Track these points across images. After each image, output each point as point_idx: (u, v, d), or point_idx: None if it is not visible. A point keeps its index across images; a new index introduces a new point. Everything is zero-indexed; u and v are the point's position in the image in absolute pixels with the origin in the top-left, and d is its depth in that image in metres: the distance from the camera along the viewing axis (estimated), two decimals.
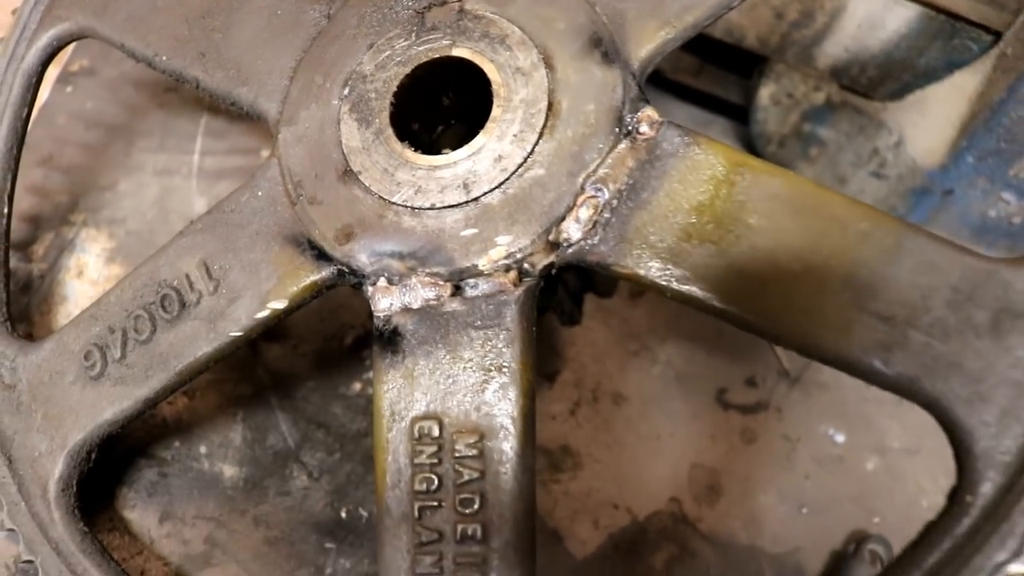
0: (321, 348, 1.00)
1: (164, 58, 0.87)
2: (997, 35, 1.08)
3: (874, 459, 1.07)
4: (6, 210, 0.90)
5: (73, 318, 0.84)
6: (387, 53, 0.79)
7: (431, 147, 0.82)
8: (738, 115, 1.32)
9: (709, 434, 1.04)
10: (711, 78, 1.28)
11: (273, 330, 1.01)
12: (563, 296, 1.00)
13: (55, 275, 1.03)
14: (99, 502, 0.90)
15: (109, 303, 0.82)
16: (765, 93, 1.22)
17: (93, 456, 0.82)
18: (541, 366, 1.03)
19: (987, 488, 0.62)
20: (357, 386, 0.98)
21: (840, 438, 1.08)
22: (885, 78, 1.17)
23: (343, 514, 0.92)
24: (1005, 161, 1.11)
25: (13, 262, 0.94)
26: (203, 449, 0.94)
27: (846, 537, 1.01)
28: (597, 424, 1.01)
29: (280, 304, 0.77)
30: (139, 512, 0.91)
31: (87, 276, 1.03)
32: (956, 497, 0.64)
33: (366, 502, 0.92)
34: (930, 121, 1.15)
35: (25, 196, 0.93)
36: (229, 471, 0.93)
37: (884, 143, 1.19)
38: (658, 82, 1.29)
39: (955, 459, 0.64)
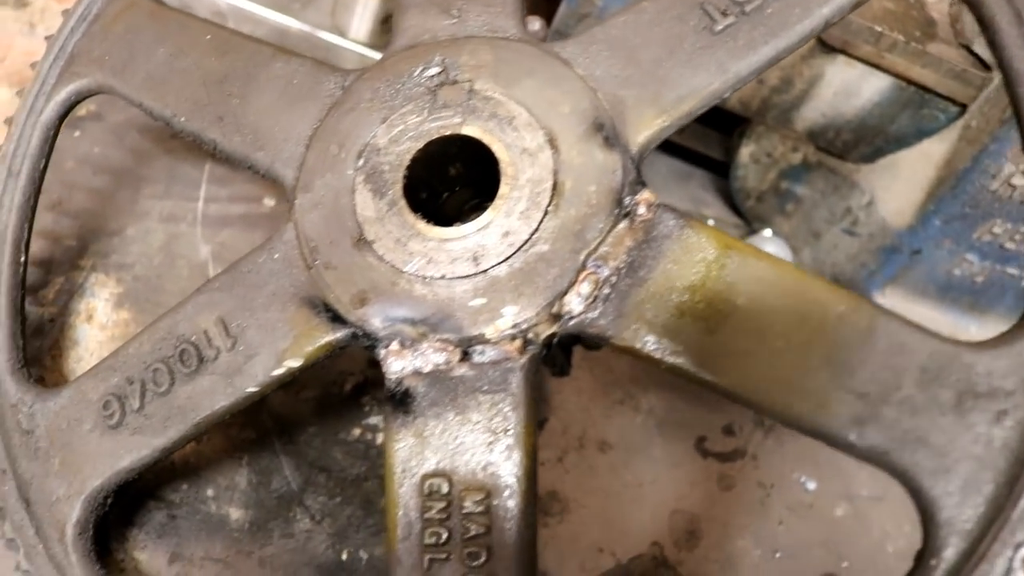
0: (322, 394, 1.06)
1: (182, 119, 0.92)
2: (963, 108, 1.17)
3: (843, 506, 1.15)
4: (23, 259, 0.95)
5: (91, 368, 0.90)
6: (400, 128, 0.85)
7: (437, 212, 0.88)
8: (717, 168, 1.40)
9: (689, 481, 1.11)
10: (693, 134, 1.37)
11: None
12: (556, 351, 1.07)
13: (65, 319, 1.08)
14: (111, 543, 0.95)
15: (128, 355, 0.88)
16: (745, 152, 1.31)
17: (109, 501, 0.87)
18: None
19: (950, 553, 0.69)
20: (356, 431, 1.04)
21: (811, 485, 1.15)
22: (859, 142, 1.26)
23: (344, 556, 0.98)
24: (969, 225, 1.20)
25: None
26: (210, 492, 1.00)
27: None
28: (583, 470, 1.08)
29: (296, 363, 0.82)
30: (149, 553, 0.97)
31: (96, 320, 1.08)
32: (922, 561, 0.71)
33: (366, 545, 0.98)
34: (900, 184, 1.24)
35: (36, 240, 0.97)
36: (235, 513, 0.99)
37: (857, 203, 1.28)
38: None
39: (921, 525, 0.72)
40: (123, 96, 0.96)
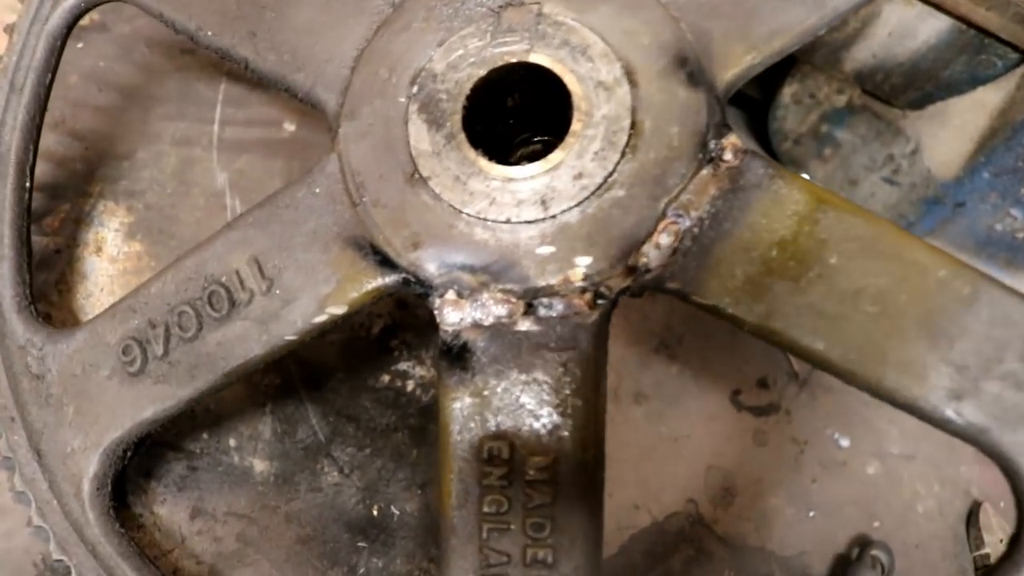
0: (348, 338, 0.97)
1: (209, 33, 0.82)
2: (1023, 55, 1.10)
3: (874, 463, 1.11)
4: (28, 184, 0.84)
5: (108, 308, 0.80)
6: (460, 52, 0.76)
7: (490, 147, 0.79)
8: (752, 107, 1.32)
9: (724, 435, 1.06)
10: None
11: None
12: None
13: (72, 250, 0.97)
14: (128, 496, 0.87)
15: (149, 295, 0.79)
16: (788, 91, 1.22)
17: (128, 454, 0.79)
18: None
19: None
20: (385, 378, 0.96)
21: (844, 442, 1.11)
22: (908, 87, 1.19)
23: (375, 512, 0.91)
24: (1019, 179, 1.14)
25: None
26: (232, 442, 0.92)
27: (849, 541, 1.05)
28: (619, 423, 1.02)
29: (339, 310, 0.74)
30: (169, 507, 0.89)
31: (106, 253, 0.98)
32: (1016, 544, 0.66)
33: (397, 500, 0.91)
34: (949, 133, 1.17)
35: (39, 162, 0.87)
36: (260, 465, 0.91)
37: (900, 151, 1.21)
38: None
39: (1016, 508, 0.67)
40: (140, 5, 0.85)
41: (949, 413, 0.67)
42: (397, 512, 0.90)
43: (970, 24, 1.09)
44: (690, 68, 0.73)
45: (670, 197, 0.70)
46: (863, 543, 1.04)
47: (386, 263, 0.74)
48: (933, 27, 1.12)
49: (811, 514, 1.05)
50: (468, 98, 0.75)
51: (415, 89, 0.76)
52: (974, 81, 1.14)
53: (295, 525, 0.89)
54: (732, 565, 1.00)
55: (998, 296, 0.68)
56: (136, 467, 0.89)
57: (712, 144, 0.71)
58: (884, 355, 0.68)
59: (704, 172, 0.71)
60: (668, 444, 1.03)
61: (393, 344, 0.98)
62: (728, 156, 0.71)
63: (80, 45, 1.06)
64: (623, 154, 0.71)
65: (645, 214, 0.70)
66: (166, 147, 1.03)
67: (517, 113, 0.83)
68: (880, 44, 1.15)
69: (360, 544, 0.89)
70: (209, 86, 1.06)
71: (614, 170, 0.71)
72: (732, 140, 0.72)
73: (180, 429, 0.91)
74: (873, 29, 1.13)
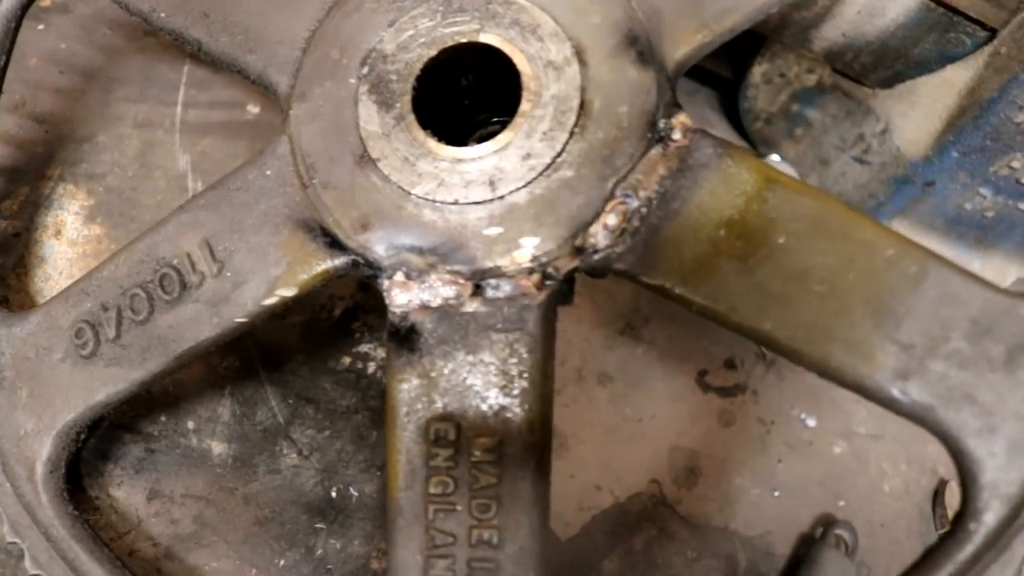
0: (309, 320, 0.97)
1: (163, 15, 0.81)
2: (992, 32, 1.09)
3: (841, 443, 1.11)
4: None
5: (61, 291, 0.80)
6: (410, 33, 0.75)
7: (443, 128, 0.79)
8: (724, 87, 1.31)
9: (689, 416, 1.05)
10: None
11: None
12: None
13: (31, 234, 0.97)
14: (84, 479, 0.87)
15: (102, 278, 0.78)
16: (758, 71, 1.21)
17: (82, 437, 0.79)
18: None
19: (990, 517, 0.64)
20: (346, 360, 0.96)
21: (811, 422, 1.10)
22: (878, 65, 1.17)
23: (333, 493, 0.91)
24: (988, 158, 1.13)
25: None
26: (191, 424, 0.92)
27: (813, 520, 1.05)
28: (582, 404, 1.02)
29: (289, 292, 0.74)
30: (126, 490, 0.89)
31: (65, 236, 0.98)
32: (960, 524, 0.66)
33: (356, 481, 0.91)
34: (918, 112, 1.16)
35: None
36: (218, 447, 0.91)
37: (870, 130, 1.20)
38: None
39: (961, 487, 0.67)
40: None
41: (895, 392, 0.66)
42: (356, 493, 0.90)
43: (938, 2, 1.08)
44: (640, 47, 0.72)
45: (618, 177, 0.69)
46: (827, 522, 1.04)
47: (335, 245, 0.73)
48: (902, 5, 1.10)
49: (776, 494, 1.05)
50: (418, 79, 0.74)
51: (365, 70, 0.75)
52: (943, 59, 1.13)
53: (253, 507, 0.89)
54: (695, 545, 1.00)
55: (946, 275, 0.67)
56: (93, 450, 0.89)
57: (662, 123, 0.71)
58: (831, 334, 0.68)
59: (653, 152, 0.70)
60: (632, 425, 1.03)
61: (355, 326, 0.97)
62: (677, 135, 0.71)
63: (41, 27, 1.05)
64: (572, 134, 0.70)
65: (593, 194, 0.69)
66: (128, 129, 1.02)
67: (473, 94, 0.83)
68: (849, 23, 1.14)
69: (318, 525, 0.89)
70: (172, 68, 1.05)
71: (562, 150, 0.70)
72: (682, 119, 0.71)
73: (138, 412, 0.91)
74: (842, 8, 1.12)
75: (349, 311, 0.98)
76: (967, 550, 0.65)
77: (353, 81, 0.75)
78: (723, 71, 1.29)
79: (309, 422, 0.93)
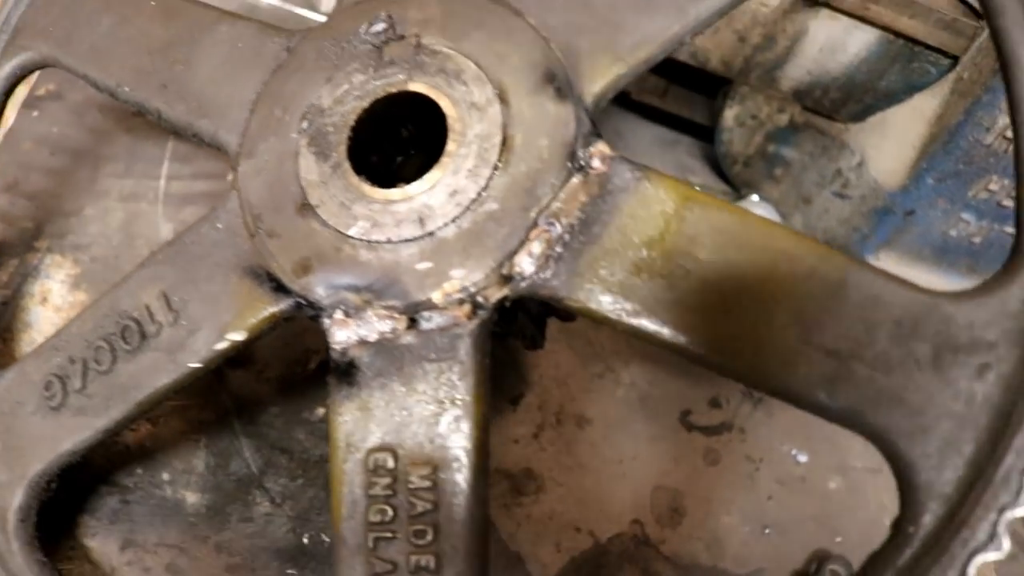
0: (285, 373, 1.00)
1: (127, 89, 0.87)
2: (955, 59, 1.10)
3: (836, 479, 1.09)
4: None
5: (35, 348, 0.85)
6: (345, 87, 0.80)
7: (391, 178, 0.82)
8: (704, 134, 1.33)
9: (672, 456, 1.05)
10: (677, 99, 1.30)
11: (238, 355, 1.01)
12: (524, 321, 1.01)
13: (19, 301, 1.03)
14: (60, 530, 0.91)
15: (71, 333, 0.83)
16: (730, 115, 1.24)
17: (53, 486, 0.82)
18: (504, 390, 1.03)
19: (928, 519, 0.63)
20: (320, 411, 0.99)
21: (803, 458, 1.09)
22: (847, 100, 1.19)
23: (305, 540, 0.92)
24: (964, 183, 1.13)
25: None
26: (166, 476, 0.95)
27: (808, 557, 1.02)
28: (560, 447, 1.02)
29: (239, 336, 0.77)
30: (100, 540, 0.92)
31: (51, 303, 1.04)
32: (899, 528, 0.65)
33: (328, 528, 0.92)
34: (891, 143, 1.17)
35: None
36: (192, 498, 0.94)
37: (847, 164, 1.21)
38: (624, 103, 1.31)
39: (899, 491, 0.66)
40: (68, 68, 0.91)
41: (822, 398, 0.66)
42: (328, 540, 0.92)
43: (897, 34, 1.10)
44: (558, 83, 0.75)
45: (541, 206, 0.72)
46: (821, 558, 1.02)
47: (280, 289, 0.77)
48: (862, 40, 1.13)
49: (767, 531, 1.03)
50: (352, 128, 0.78)
51: (305, 124, 0.79)
52: (911, 89, 1.15)
53: (224, 554, 0.91)
54: None
55: (868, 279, 0.68)
56: (69, 503, 0.92)
57: (581, 153, 0.73)
58: (755, 345, 0.68)
59: (574, 180, 0.73)
60: (612, 466, 1.02)
61: (329, 379, 1.00)
62: (596, 163, 0.73)
63: (35, 113, 1.14)
64: (495, 168, 0.73)
65: (517, 224, 0.72)
66: (113, 203, 1.08)
67: (416, 144, 0.87)
68: (812, 61, 1.16)
69: (289, 572, 0.90)
70: (157, 144, 1.12)
71: (487, 185, 0.73)
72: (600, 148, 0.73)
73: (114, 464, 0.94)
74: (803, 47, 1.15)
75: (324, 363, 1.00)
76: (906, 554, 0.63)
77: (294, 136, 0.79)
78: (701, 119, 1.32)
79: (282, 471, 0.95)
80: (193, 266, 0.80)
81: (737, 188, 1.30)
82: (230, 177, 0.82)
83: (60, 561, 0.87)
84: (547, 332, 1.05)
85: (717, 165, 1.30)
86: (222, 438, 0.96)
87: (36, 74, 1.02)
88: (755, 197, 1.27)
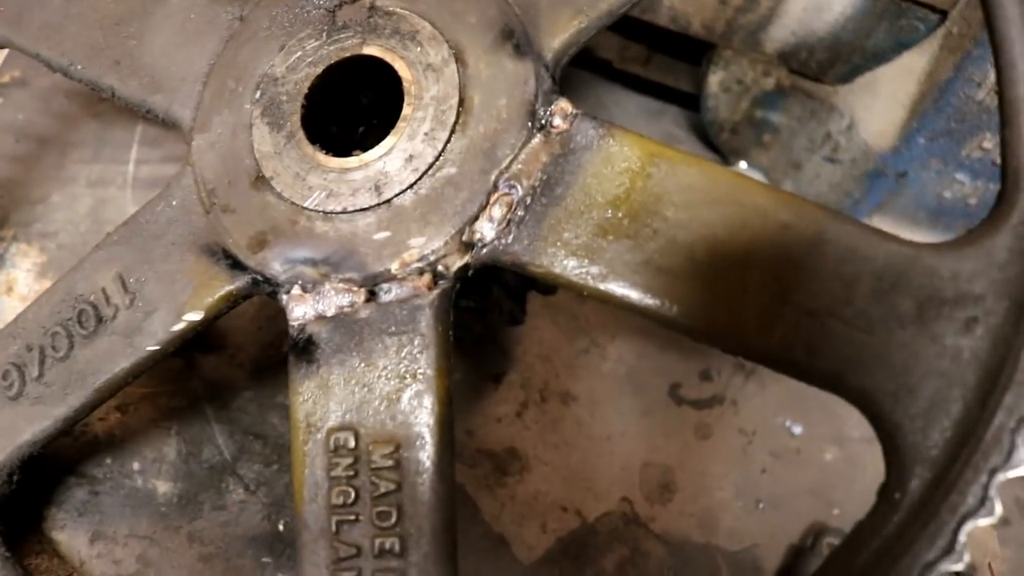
0: (258, 356, 0.97)
1: (79, 67, 0.84)
2: (943, 14, 1.05)
3: (833, 450, 1.04)
4: None
5: None
6: (298, 54, 0.76)
7: (354, 149, 0.79)
8: (690, 103, 1.28)
9: (662, 431, 1.01)
10: (660, 67, 1.25)
11: (209, 340, 0.98)
12: (500, 295, 0.97)
13: None
14: (26, 524, 0.87)
15: (27, 320, 0.79)
16: (714, 80, 1.19)
17: (15, 478, 0.79)
18: (486, 367, 0.99)
19: (915, 484, 0.59)
20: None
21: (797, 429, 1.04)
22: (834, 61, 1.14)
23: (280, 527, 0.89)
24: (956, 142, 1.08)
25: None
26: (136, 465, 0.91)
27: (804, 530, 0.98)
28: (545, 425, 0.98)
29: (196, 316, 0.73)
30: (69, 533, 0.88)
31: (16, 292, 1.00)
32: (885, 494, 0.61)
33: None
34: (881, 103, 1.11)
35: None
36: (163, 487, 0.90)
37: (836, 127, 1.16)
38: (607, 73, 1.26)
39: (884, 455, 0.61)
40: (20, 48, 0.87)
41: (801, 360, 0.62)
42: None
43: None
44: (516, 40, 0.71)
45: (500, 169, 0.68)
46: (818, 531, 0.97)
47: (236, 266, 0.73)
48: None
49: (760, 505, 0.99)
50: (306, 97, 0.74)
51: (258, 95, 0.76)
52: (899, 47, 1.09)
53: (197, 544, 0.87)
54: (672, 564, 0.94)
55: (846, 232, 0.64)
56: (35, 495, 0.89)
57: (542, 112, 0.69)
58: (729, 307, 0.64)
59: (535, 140, 0.69)
60: (599, 443, 0.98)
61: None
62: (558, 121, 0.69)
63: (0, 100, 1.10)
64: (453, 131, 0.69)
65: (477, 188, 0.68)
66: (81, 189, 1.05)
67: (377, 111, 0.83)
68: (797, 21, 1.11)
69: (265, 559, 0.87)
70: (126, 129, 1.08)
71: (444, 148, 0.69)
72: (562, 105, 0.69)
73: (83, 455, 0.91)
74: (786, 6, 1.10)
75: None
76: (893, 521, 0.59)
77: (248, 107, 0.76)
78: (686, 86, 1.27)
79: (256, 457, 0.92)
80: (148, 246, 0.77)
81: (725, 156, 1.25)
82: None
83: (27, 556, 0.84)
84: (528, 307, 1.01)
85: (705, 134, 1.25)
86: (194, 425, 0.93)
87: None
88: (744, 165, 1.22)
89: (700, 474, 0.99)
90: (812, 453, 1.03)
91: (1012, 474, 0.57)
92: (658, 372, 1.04)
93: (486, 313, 0.97)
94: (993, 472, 0.56)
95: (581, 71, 1.26)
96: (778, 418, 1.05)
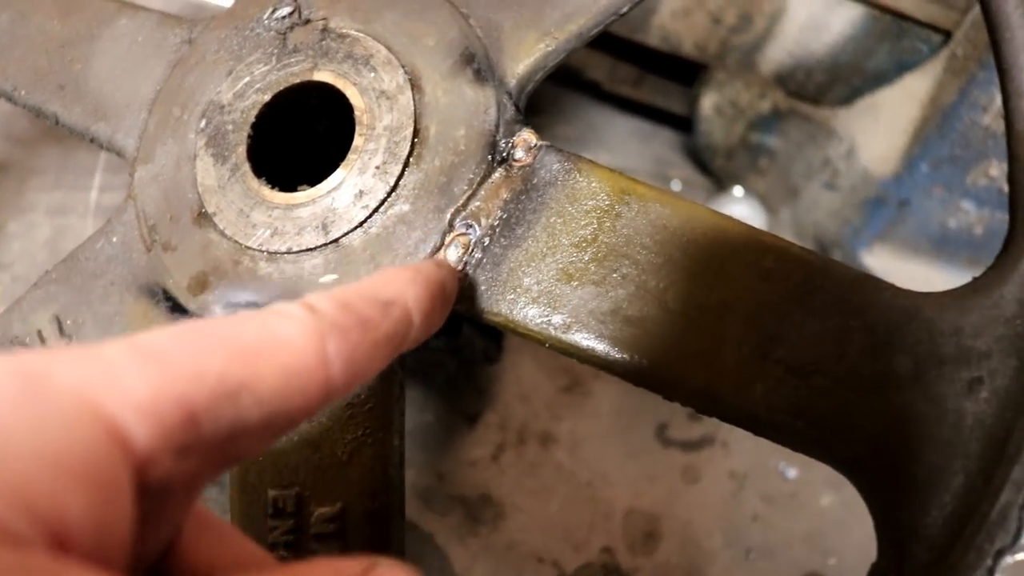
0: None
1: (23, 92, 0.77)
2: (947, 35, 0.97)
3: (829, 494, 0.96)
4: None
5: None
6: (246, 80, 0.68)
7: (312, 182, 0.71)
8: (683, 125, 1.21)
9: (647, 475, 0.93)
10: (652, 88, 1.17)
11: None
12: (472, 334, 0.89)
13: None
14: None
15: None
16: (707, 103, 1.11)
17: None
18: (460, 407, 0.92)
19: (912, 566, 0.51)
20: None
21: (792, 473, 0.96)
22: (833, 83, 1.06)
23: None
24: (961, 168, 0.99)
25: None
26: None
27: None
28: (522, 469, 0.90)
29: None
30: None
31: None
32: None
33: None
34: (882, 127, 1.03)
35: None
36: None
37: (835, 152, 1.08)
38: (597, 94, 1.18)
39: (876, 531, 0.53)
40: None
41: (783, 423, 0.54)
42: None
43: (883, 9, 0.97)
44: (477, 65, 0.63)
45: (457, 206, 0.60)
46: None
47: (176, 308, 0.66)
48: (846, 17, 1.00)
49: (751, 555, 0.91)
50: (253, 126, 0.67)
51: (203, 123, 0.68)
52: (901, 68, 1.02)
53: None
54: None
55: (837, 279, 0.56)
56: None
57: (503, 143, 0.62)
58: (705, 362, 0.56)
59: (495, 175, 0.61)
60: (581, 489, 0.90)
61: None
62: (520, 154, 0.61)
63: None
64: (406, 164, 0.62)
65: (431, 228, 0.60)
66: (40, 217, 0.98)
67: (333, 139, 0.75)
68: (794, 41, 1.04)
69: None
70: (90, 154, 1.01)
71: (397, 183, 0.62)
72: (525, 136, 0.62)
73: None
74: (782, 26, 1.02)
75: None
76: None
77: (192, 136, 0.68)
78: (679, 108, 1.19)
79: (211, 503, 0.84)
80: (87, 286, 0.70)
81: (720, 181, 1.17)
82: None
83: None
84: (506, 342, 0.94)
85: (698, 158, 1.18)
86: None
87: None
88: (738, 190, 1.14)
89: (687, 521, 0.91)
90: (807, 498, 0.95)
91: (1020, 557, 0.49)
92: (644, 411, 0.96)
93: (457, 353, 0.90)
94: (999, 554, 0.48)
95: (570, 92, 1.18)
96: (771, 460, 0.96)
